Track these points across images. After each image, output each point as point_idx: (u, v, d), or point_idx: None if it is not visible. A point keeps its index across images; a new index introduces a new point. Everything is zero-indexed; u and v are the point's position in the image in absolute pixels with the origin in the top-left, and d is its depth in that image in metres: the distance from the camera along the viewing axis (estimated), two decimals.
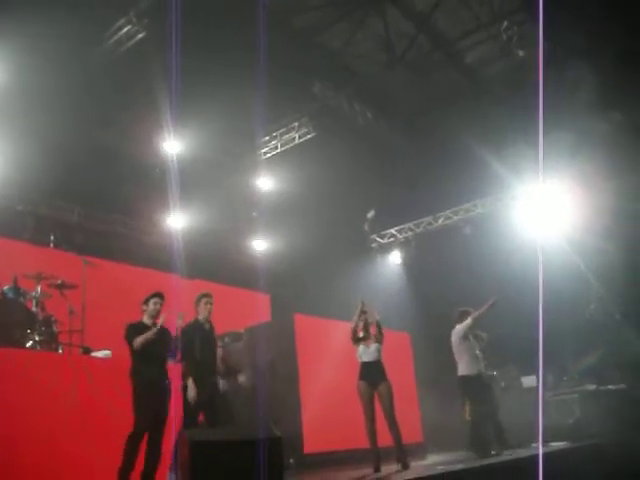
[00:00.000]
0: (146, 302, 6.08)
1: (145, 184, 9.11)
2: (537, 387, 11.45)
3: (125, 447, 5.22)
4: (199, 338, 6.19)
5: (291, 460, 7.16)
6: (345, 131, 10.15)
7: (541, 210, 10.92)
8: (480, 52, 9.85)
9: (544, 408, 10.32)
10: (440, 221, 12.53)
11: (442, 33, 9.44)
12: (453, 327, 8.21)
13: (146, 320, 6.01)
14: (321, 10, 8.61)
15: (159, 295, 6.11)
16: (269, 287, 10.28)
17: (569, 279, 10.10)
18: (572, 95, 9.59)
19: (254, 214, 10.95)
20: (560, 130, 10.27)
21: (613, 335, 10.78)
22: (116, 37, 7.96)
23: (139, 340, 5.80)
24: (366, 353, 6.99)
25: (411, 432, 8.57)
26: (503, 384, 11.49)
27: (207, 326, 6.30)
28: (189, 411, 5.90)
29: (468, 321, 8.01)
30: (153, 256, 9.30)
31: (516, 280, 10.65)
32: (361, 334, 7.10)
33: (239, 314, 8.14)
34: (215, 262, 10.28)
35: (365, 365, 6.96)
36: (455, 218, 12.37)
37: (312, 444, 8.49)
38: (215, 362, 6.47)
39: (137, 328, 5.96)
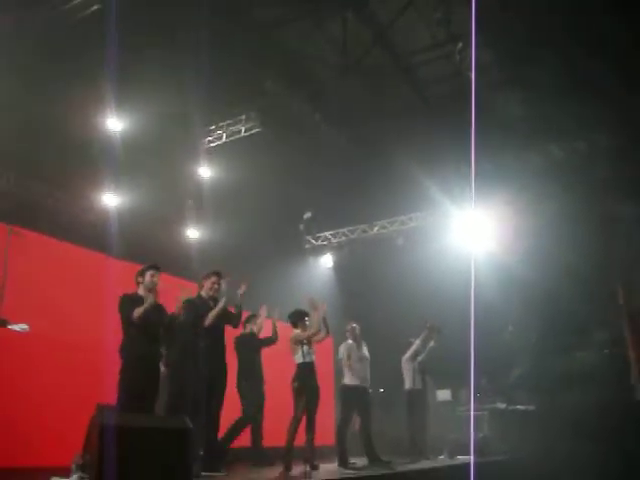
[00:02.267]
0: (142, 274, 5.83)
1: (84, 160, 8.86)
2: (451, 401, 11.74)
3: None
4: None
5: (200, 452, 7.08)
6: (292, 130, 10.15)
7: (471, 230, 11.24)
8: (432, 70, 10.02)
9: (458, 422, 10.57)
10: (375, 229, 12.70)
11: (398, 46, 9.56)
12: None
13: (142, 292, 5.78)
14: (283, 6, 8.59)
15: (156, 267, 5.90)
16: (198, 276, 10.17)
17: (491, 300, 10.39)
18: (509, 123, 9.91)
19: (190, 202, 10.83)
20: (494, 155, 10.62)
21: (528, 358, 11.15)
22: (71, 4, 7.71)
23: (139, 311, 5.55)
24: (308, 354, 6.98)
25: (324, 434, 8.66)
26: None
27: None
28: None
29: None
30: (83, 233, 9.05)
31: (439, 296, 10.93)
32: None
33: (167, 300, 8.01)
34: (146, 246, 10.08)
35: (305, 365, 6.96)
36: (390, 228, 12.56)
37: None
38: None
39: (133, 299, 5.72)
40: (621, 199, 9.97)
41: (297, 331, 7.19)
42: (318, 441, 7.12)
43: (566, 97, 9.26)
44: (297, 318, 7.29)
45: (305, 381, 6.89)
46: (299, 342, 7.01)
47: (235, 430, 7.51)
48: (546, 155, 11.10)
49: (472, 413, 9.81)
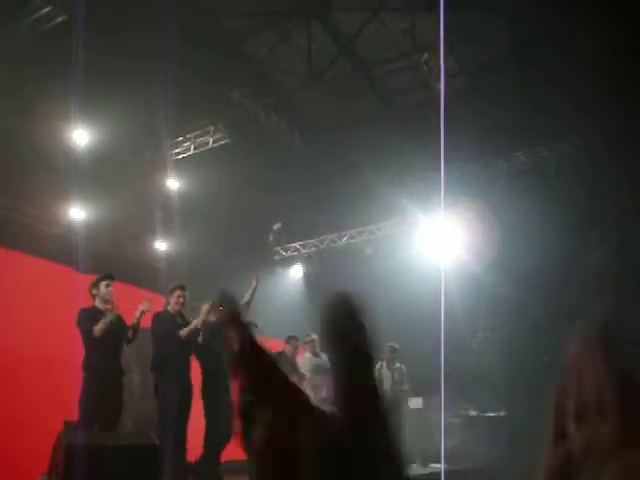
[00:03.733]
0: (96, 285, 5.70)
1: (49, 173, 8.74)
2: (422, 409, 11.77)
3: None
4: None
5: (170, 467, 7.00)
6: (260, 141, 10.13)
7: (440, 238, 11.30)
8: (399, 80, 10.08)
9: (432, 430, 10.59)
10: (344, 239, 12.71)
11: (364, 56, 9.61)
12: None
13: (99, 304, 5.65)
14: (250, 16, 8.58)
15: (110, 276, 5.79)
16: (165, 289, 10.09)
17: (460, 308, 10.46)
18: (477, 132, 10.01)
19: (158, 214, 10.73)
20: (463, 165, 10.73)
21: (497, 364, 11.23)
22: (36, 15, 7.60)
23: (99, 327, 5.42)
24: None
25: None
26: None
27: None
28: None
29: None
30: (48, 246, 8.93)
31: (409, 304, 10.98)
32: None
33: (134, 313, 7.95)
34: (113, 259, 9.98)
35: None
36: (359, 238, 12.59)
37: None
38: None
39: (91, 313, 5.60)
40: (587, 208, 10.10)
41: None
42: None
43: (531, 105, 9.37)
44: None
45: None
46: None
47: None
48: (513, 162, 11.21)
49: (442, 421, 9.85)
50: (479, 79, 9.69)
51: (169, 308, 6.56)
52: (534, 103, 9.34)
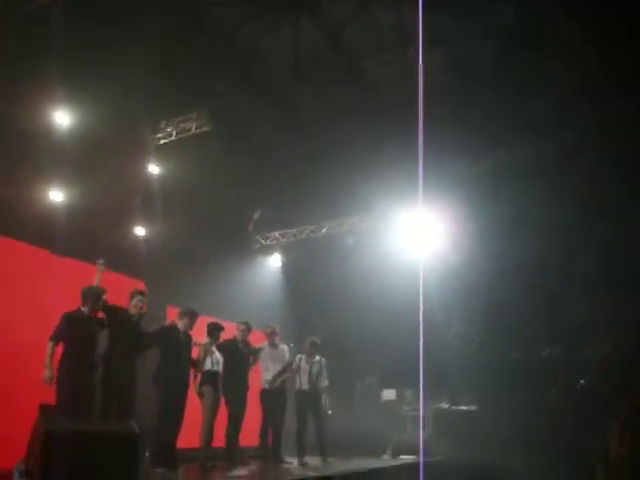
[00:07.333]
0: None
1: (29, 154, 8.63)
2: (395, 401, 11.92)
3: None
4: None
5: (147, 453, 7.04)
6: (242, 130, 10.11)
7: (419, 232, 11.38)
8: (384, 73, 10.10)
9: (402, 422, 10.73)
10: (324, 230, 12.75)
11: (349, 49, 9.61)
12: None
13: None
14: (236, 6, 8.54)
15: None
16: (144, 275, 10.04)
17: (436, 301, 10.56)
18: (457, 126, 10.07)
19: (139, 198, 10.65)
20: (444, 159, 10.78)
21: (470, 358, 11.39)
22: None
23: None
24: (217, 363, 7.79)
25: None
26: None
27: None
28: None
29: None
30: (27, 228, 8.82)
31: (386, 296, 11.07)
32: None
33: (111, 298, 7.91)
34: (92, 243, 9.90)
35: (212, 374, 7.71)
36: (339, 229, 12.64)
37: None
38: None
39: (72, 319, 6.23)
40: (565, 204, 10.21)
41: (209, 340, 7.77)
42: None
43: (514, 101, 9.45)
44: (214, 329, 7.85)
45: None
46: (208, 351, 7.65)
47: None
48: (494, 159, 11.30)
49: (421, 413, 9.98)
50: (464, 73, 9.72)
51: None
52: (518, 99, 9.41)
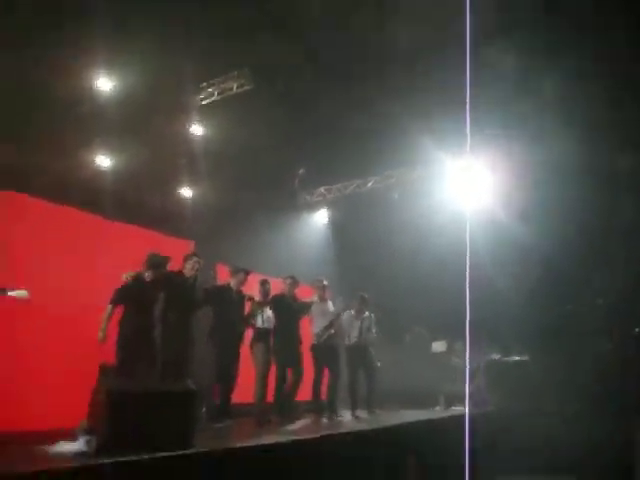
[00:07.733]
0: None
1: (74, 121, 8.71)
2: (446, 352, 11.90)
3: None
4: None
5: (203, 409, 7.23)
6: (285, 86, 9.97)
7: (467, 184, 11.16)
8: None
9: (455, 373, 10.71)
10: (370, 184, 12.64)
11: None
12: None
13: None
14: None
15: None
16: (193, 235, 10.16)
17: (484, 254, 10.40)
18: (504, 71, 9.67)
19: (183, 160, 10.70)
20: (489, 106, 10.41)
21: (519, 309, 11.25)
22: None
23: None
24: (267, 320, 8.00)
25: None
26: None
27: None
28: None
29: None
30: (73, 194, 8.96)
31: (434, 250, 10.95)
32: None
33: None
34: (138, 205, 10.03)
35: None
36: (385, 183, 12.51)
37: None
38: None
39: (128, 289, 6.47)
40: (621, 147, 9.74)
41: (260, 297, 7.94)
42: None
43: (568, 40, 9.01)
44: (264, 286, 8.06)
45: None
46: (259, 309, 7.82)
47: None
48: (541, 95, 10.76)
49: (467, 364, 9.96)
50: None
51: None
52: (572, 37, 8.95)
